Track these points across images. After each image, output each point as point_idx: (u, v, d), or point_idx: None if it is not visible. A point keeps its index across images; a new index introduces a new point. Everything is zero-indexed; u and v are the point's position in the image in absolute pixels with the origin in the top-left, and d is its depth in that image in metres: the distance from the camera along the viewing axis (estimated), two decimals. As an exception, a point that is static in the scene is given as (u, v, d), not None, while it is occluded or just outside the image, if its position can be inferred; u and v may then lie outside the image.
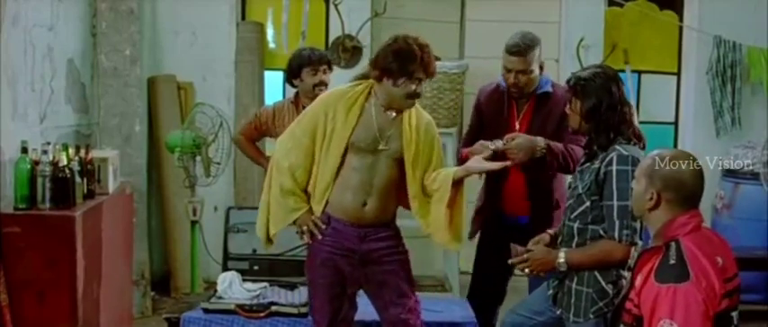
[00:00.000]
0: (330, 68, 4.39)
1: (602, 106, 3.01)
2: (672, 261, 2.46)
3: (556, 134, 3.73)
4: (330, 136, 3.22)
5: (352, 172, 3.23)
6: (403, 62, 3.13)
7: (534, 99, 3.84)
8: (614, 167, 2.92)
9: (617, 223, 2.94)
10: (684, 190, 2.57)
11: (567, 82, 3.13)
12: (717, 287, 2.42)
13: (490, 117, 3.91)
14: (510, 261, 3.22)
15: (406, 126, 3.25)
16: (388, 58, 3.14)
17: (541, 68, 3.82)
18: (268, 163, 4.64)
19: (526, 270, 3.18)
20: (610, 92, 3.02)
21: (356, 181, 3.23)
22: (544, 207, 3.84)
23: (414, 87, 3.15)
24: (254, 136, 4.57)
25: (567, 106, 3.15)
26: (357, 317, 3.41)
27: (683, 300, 2.37)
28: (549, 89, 3.84)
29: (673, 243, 2.51)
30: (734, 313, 2.52)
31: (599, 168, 2.98)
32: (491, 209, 3.96)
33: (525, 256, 3.15)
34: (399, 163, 3.27)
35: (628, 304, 2.63)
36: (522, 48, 3.72)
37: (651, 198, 2.59)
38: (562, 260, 3.05)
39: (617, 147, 2.98)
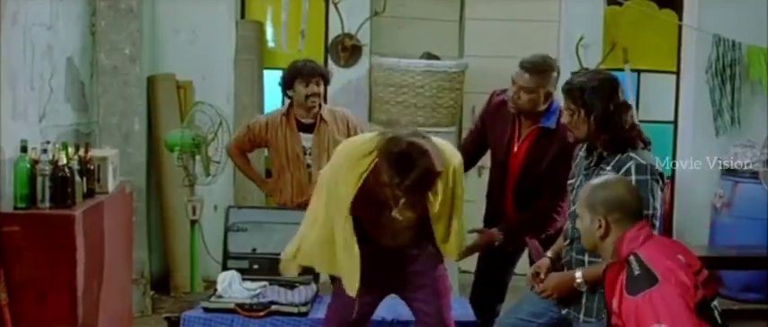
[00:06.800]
0: (324, 80, 4.39)
1: (611, 110, 2.93)
2: (637, 272, 2.49)
3: (549, 170, 3.63)
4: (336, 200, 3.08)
5: (371, 227, 3.16)
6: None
7: (537, 130, 3.71)
8: (634, 177, 2.84)
9: None
10: (626, 207, 2.62)
11: (567, 89, 3.01)
12: (686, 279, 2.46)
13: (494, 131, 3.83)
14: (536, 293, 3.19)
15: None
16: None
17: (548, 96, 3.65)
18: (257, 178, 4.73)
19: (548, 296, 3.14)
20: (616, 94, 2.96)
21: (378, 233, 3.18)
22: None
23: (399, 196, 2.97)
24: (248, 148, 4.60)
25: (568, 116, 3.00)
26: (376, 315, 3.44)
27: (661, 301, 2.40)
28: (553, 126, 3.65)
29: (632, 257, 2.54)
30: (714, 302, 2.55)
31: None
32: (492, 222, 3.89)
33: (538, 289, 3.13)
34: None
35: None
36: (532, 67, 3.60)
37: (600, 226, 2.63)
38: (580, 279, 3.00)
39: (633, 155, 2.90)
